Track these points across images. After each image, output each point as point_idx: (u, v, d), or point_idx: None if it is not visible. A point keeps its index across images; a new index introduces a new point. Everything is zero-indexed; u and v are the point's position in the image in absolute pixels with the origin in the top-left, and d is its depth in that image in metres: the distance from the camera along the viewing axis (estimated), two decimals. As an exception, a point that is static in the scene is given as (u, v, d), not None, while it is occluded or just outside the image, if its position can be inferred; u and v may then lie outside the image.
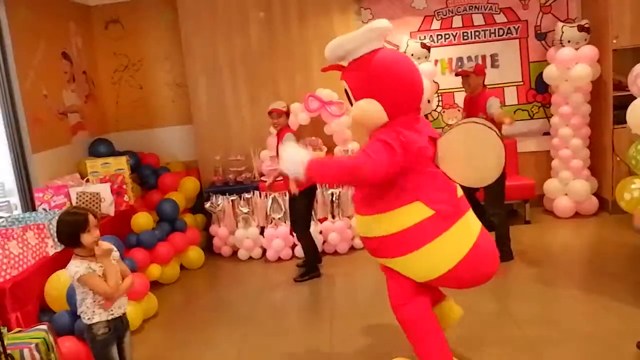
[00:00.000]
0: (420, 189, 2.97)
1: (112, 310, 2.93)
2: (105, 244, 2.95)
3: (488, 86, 5.12)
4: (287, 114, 5.20)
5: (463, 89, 5.17)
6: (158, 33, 6.61)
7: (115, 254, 3.06)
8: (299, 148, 3.07)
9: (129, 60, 6.67)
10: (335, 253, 5.79)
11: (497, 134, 3.00)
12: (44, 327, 3.15)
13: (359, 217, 3.19)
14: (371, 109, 2.95)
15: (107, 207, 5.03)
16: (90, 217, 2.88)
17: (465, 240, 2.97)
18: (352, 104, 3.08)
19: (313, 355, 3.80)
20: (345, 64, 3.08)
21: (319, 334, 4.09)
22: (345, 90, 3.13)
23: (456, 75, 5.35)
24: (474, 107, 4.99)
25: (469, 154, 2.98)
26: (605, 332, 3.67)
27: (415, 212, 2.96)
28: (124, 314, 3.04)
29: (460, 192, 3.11)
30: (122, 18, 6.59)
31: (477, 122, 3.06)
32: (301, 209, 5.18)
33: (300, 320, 4.43)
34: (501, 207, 5.09)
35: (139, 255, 4.92)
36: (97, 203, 4.90)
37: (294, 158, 2.96)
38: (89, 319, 2.87)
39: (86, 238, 2.82)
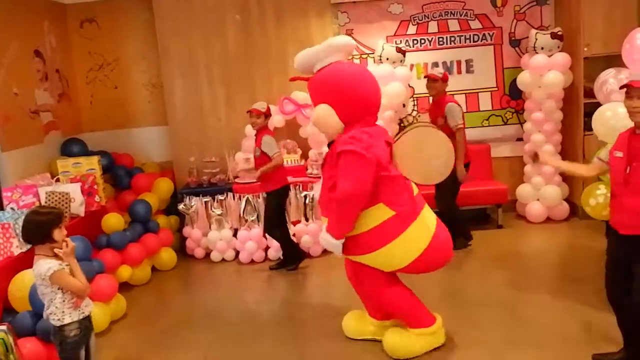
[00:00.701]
0: (381, 192, 3.26)
1: (81, 309, 2.90)
2: (71, 242, 2.93)
3: (464, 91, 5.37)
4: (266, 115, 5.26)
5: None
6: (134, 33, 6.56)
7: None
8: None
9: (104, 60, 6.61)
10: (309, 256, 5.78)
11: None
12: (4, 327, 3.10)
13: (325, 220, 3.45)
14: (326, 114, 3.34)
15: (77, 207, 4.98)
16: (64, 215, 2.95)
17: (424, 235, 3.35)
18: None
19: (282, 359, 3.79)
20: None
21: (290, 337, 4.08)
22: None
23: (425, 77, 5.54)
24: (435, 111, 5.42)
25: (422, 154, 3.35)
26: (569, 335, 3.73)
27: (378, 214, 3.31)
28: (90, 313, 3.02)
29: (415, 191, 3.45)
30: (97, 17, 6.53)
31: (427, 126, 3.39)
32: (271, 209, 5.31)
33: (271, 323, 4.41)
34: (452, 199, 5.46)
35: (108, 257, 4.86)
36: (66, 203, 4.84)
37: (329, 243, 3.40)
38: (59, 319, 2.83)
39: (58, 234, 2.82)
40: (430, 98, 5.68)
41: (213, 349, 3.99)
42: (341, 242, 3.33)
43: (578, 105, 5.97)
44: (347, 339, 3.92)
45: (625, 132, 3.03)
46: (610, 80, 4.00)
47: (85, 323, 2.92)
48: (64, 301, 2.83)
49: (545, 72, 5.91)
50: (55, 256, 2.84)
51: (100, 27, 6.55)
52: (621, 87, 2.97)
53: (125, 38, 6.58)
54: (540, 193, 6.24)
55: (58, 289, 2.80)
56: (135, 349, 4.13)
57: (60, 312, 2.83)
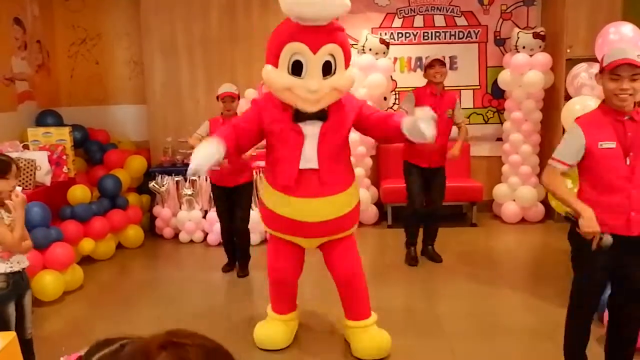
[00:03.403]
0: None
1: (10, 263, 2.83)
2: (21, 194, 2.88)
3: (446, 88, 4.99)
4: (239, 98, 4.87)
5: (426, 82, 4.87)
6: (118, 9, 6.53)
7: None
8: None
9: (87, 35, 6.56)
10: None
11: None
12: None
13: (328, 199, 3.04)
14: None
15: (43, 176, 4.93)
16: (13, 166, 2.86)
17: None
18: (333, 71, 2.95)
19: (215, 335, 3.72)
20: (323, 22, 2.82)
21: (242, 323, 3.99)
22: (333, 56, 2.91)
23: (432, 62, 4.78)
24: (442, 103, 4.80)
25: None
26: (523, 328, 3.70)
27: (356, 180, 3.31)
28: (24, 270, 2.95)
29: None
30: (83, -10, 6.50)
31: None
32: (249, 201, 4.92)
33: (223, 306, 4.32)
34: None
35: (71, 228, 4.80)
36: (31, 170, 4.78)
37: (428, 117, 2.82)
38: None
39: (2, 184, 2.76)
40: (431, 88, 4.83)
41: (160, 325, 3.89)
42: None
43: (558, 107, 5.91)
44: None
45: (595, 118, 2.62)
46: (582, 74, 3.96)
47: (16, 278, 2.83)
48: None
49: (526, 71, 5.88)
50: (2, 206, 2.79)
51: (85, 1, 6.51)
52: (606, 68, 2.51)
53: (109, 14, 6.54)
54: (516, 193, 6.19)
55: None
56: (83, 321, 4.05)
57: None
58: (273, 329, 3.45)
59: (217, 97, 4.67)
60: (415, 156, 4.86)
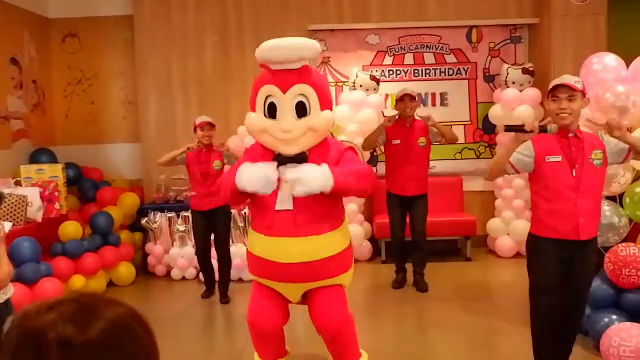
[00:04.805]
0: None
1: None
2: (2, 228, 2.85)
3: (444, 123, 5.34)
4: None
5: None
6: (114, 50, 6.65)
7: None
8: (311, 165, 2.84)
9: (83, 75, 6.66)
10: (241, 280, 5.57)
11: None
12: None
13: (301, 239, 2.92)
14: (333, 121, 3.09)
15: (34, 212, 4.92)
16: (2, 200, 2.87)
17: None
18: (307, 111, 2.91)
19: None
20: (296, 65, 2.88)
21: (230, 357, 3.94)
22: (305, 96, 2.89)
23: (403, 96, 5.03)
24: (412, 133, 5.06)
25: None
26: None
27: (347, 226, 3.18)
28: (9, 299, 2.90)
29: None
30: (80, 33, 6.62)
31: None
32: (228, 225, 5.20)
33: (217, 343, 4.26)
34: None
35: (62, 264, 4.78)
36: (23, 206, 4.78)
37: (316, 173, 2.75)
38: None
39: None
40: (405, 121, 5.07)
41: None
42: (329, 178, 2.77)
43: (548, 141, 5.99)
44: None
45: (545, 136, 2.87)
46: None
47: (1, 309, 2.79)
48: None
49: (517, 106, 5.96)
50: None
51: (82, 42, 6.64)
52: (550, 91, 2.87)
53: (105, 55, 6.66)
54: (510, 227, 6.18)
55: None
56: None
57: None
58: None
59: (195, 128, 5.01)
60: (392, 185, 5.12)
